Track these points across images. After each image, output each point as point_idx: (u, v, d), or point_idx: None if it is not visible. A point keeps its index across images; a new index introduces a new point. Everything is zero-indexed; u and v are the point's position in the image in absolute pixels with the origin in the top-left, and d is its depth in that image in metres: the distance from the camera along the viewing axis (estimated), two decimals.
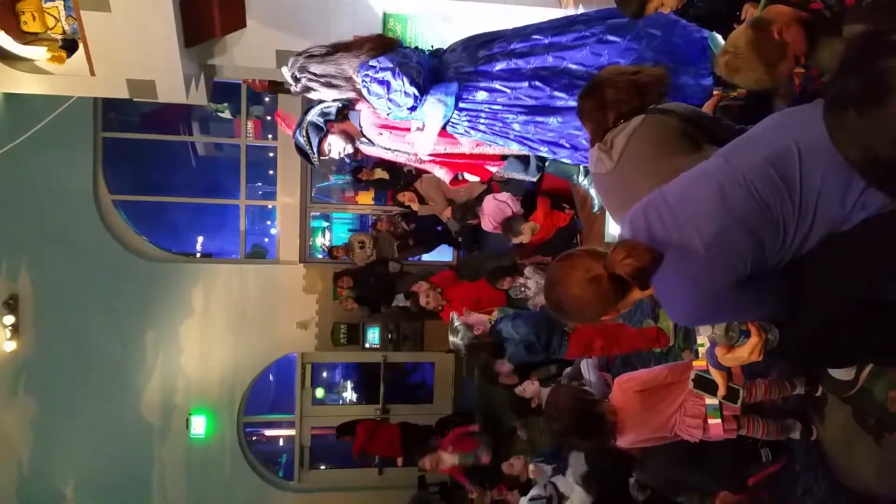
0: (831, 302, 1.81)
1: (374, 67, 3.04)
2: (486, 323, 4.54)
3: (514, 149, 3.39)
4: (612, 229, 4.07)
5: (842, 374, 2.58)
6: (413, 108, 3.11)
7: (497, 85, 3.10)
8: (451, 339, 4.56)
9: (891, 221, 1.54)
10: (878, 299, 1.84)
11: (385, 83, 3.04)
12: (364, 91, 3.12)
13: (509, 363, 5.75)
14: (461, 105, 3.17)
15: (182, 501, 8.26)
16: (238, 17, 4.48)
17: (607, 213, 3.72)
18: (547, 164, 4.22)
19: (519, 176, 4.04)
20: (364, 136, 3.67)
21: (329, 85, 3.17)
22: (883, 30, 1.22)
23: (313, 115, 3.61)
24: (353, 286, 7.83)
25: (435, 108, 3.13)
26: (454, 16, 4.77)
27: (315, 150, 3.65)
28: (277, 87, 7.44)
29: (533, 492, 4.82)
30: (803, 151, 1.63)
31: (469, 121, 3.23)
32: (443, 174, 3.83)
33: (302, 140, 3.63)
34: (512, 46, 3.11)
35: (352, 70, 3.10)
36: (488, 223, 5.87)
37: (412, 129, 3.49)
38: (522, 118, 3.13)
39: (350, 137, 3.71)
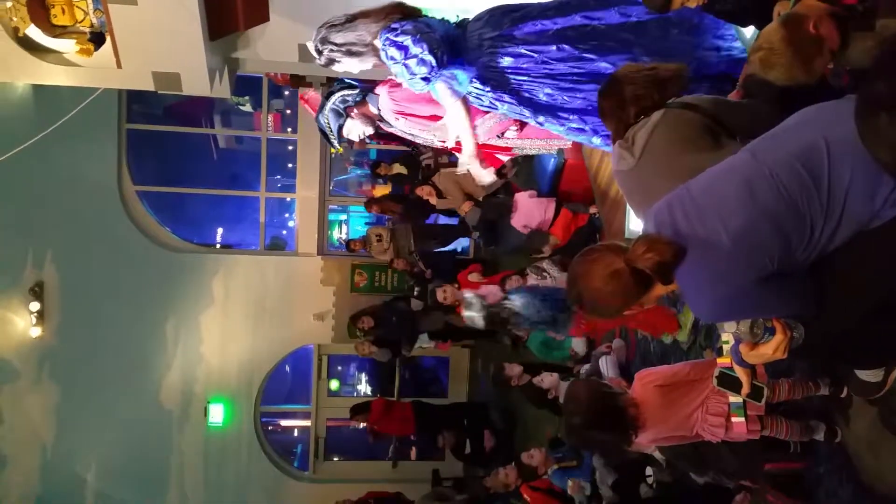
0: (859, 301, 1.79)
1: (395, 30, 2.99)
2: (497, 293, 4.55)
3: (542, 122, 3.31)
4: (633, 225, 4.04)
5: (869, 375, 2.54)
6: (427, 80, 3.03)
7: (523, 49, 3.01)
8: (466, 314, 4.57)
9: None
10: None
11: (403, 48, 2.97)
12: (382, 54, 3.05)
13: (518, 366, 5.82)
14: (486, 75, 3.08)
15: (199, 488, 8.38)
16: (262, 11, 4.50)
17: (628, 207, 3.71)
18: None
19: (536, 151, 4.04)
20: (382, 118, 3.74)
21: (350, 53, 3.13)
22: None
23: (334, 101, 3.68)
24: (374, 327, 7.47)
25: (446, 87, 3.06)
26: (474, 7, 4.75)
27: (335, 133, 3.77)
28: (299, 81, 7.49)
29: None
30: (832, 148, 1.61)
31: (494, 91, 3.14)
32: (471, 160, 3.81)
33: (324, 122, 3.72)
34: (539, 9, 3.03)
35: (372, 36, 3.06)
36: (519, 221, 5.87)
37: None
38: (549, 89, 3.04)
39: (369, 120, 3.80)
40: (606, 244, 1.85)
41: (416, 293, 7.59)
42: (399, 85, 3.68)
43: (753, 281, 1.69)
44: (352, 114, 3.75)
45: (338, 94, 3.74)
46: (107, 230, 8.01)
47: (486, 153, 4.08)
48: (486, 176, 3.59)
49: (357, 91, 3.76)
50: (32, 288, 7.81)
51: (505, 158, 4.21)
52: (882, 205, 1.60)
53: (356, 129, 3.79)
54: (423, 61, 2.97)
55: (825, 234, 1.67)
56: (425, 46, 2.95)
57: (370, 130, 3.86)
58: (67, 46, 4.17)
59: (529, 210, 5.77)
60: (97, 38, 4.24)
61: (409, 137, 3.94)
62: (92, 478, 8.12)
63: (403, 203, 7.85)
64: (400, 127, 3.83)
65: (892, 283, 1.76)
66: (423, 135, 3.89)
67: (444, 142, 3.69)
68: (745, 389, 2.08)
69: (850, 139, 1.49)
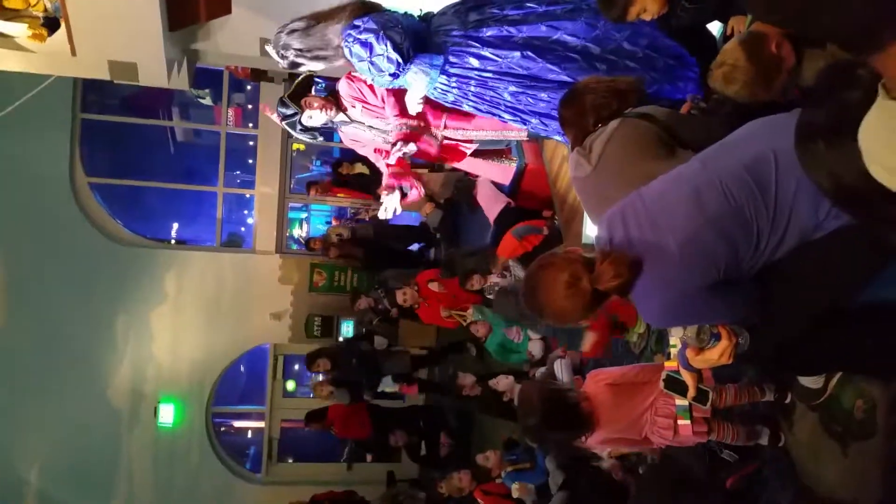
0: (801, 309, 1.85)
1: (357, 27, 2.97)
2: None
3: (507, 119, 3.36)
4: (590, 230, 4.09)
5: (810, 381, 2.62)
6: (395, 76, 3.04)
7: (488, 52, 3.02)
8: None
9: (862, 231, 1.58)
10: (848, 308, 1.89)
11: (368, 45, 2.95)
12: (346, 52, 3.04)
13: (471, 375, 5.89)
14: (451, 70, 3.09)
15: (148, 490, 8.18)
16: (224, 3, 4.42)
17: (585, 214, 3.76)
18: None
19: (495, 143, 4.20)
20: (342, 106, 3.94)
21: (316, 58, 3.14)
22: (849, 62, 1.25)
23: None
24: (332, 368, 6.84)
25: (417, 79, 3.07)
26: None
27: (316, 132, 4.05)
28: (259, 75, 7.40)
29: None
30: (780, 159, 1.65)
31: (459, 88, 3.15)
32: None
33: (287, 110, 3.91)
34: (505, 12, 3.03)
35: (336, 37, 3.04)
36: (481, 201, 6.01)
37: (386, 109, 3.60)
38: (513, 88, 3.07)
39: (331, 105, 3.96)
40: (565, 256, 1.86)
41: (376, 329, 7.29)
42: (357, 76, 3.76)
43: (700, 288, 1.73)
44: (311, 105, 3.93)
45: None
46: (56, 222, 7.77)
47: (450, 146, 4.17)
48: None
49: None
50: None
51: (468, 150, 4.27)
52: (825, 216, 1.65)
53: (318, 119, 3.98)
54: (389, 59, 2.97)
55: (771, 244, 1.72)
56: (389, 43, 2.95)
57: (334, 114, 3.98)
58: (19, 31, 4.02)
59: (487, 202, 5.82)
60: (51, 24, 4.10)
61: (363, 130, 4.02)
62: (35, 478, 7.86)
63: (365, 247, 7.75)
64: (356, 116, 3.97)
65: (833, 293, 1.82)
66: (381, 125, 3.96)
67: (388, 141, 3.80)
68: (692, 393, 2.13)
69: None
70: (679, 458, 3.33)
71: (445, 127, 4.05)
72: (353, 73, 3.83)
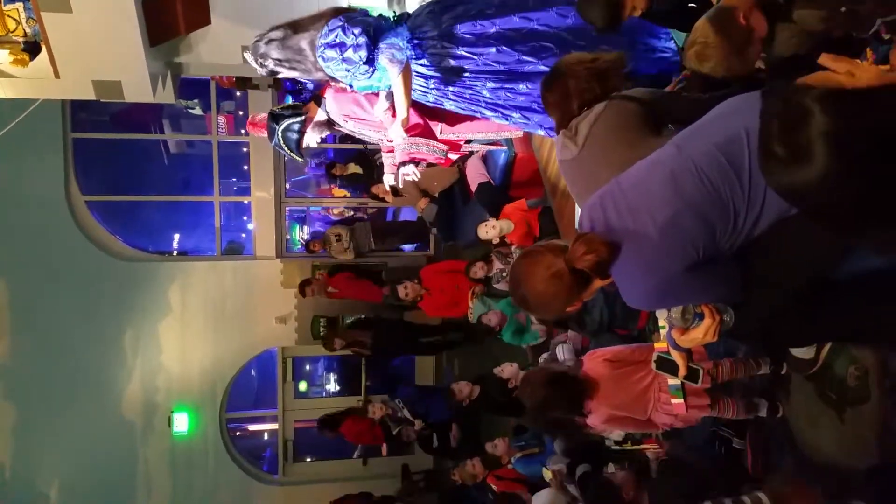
0: (783, 283, 1.87)
1: (325, 33, 2.97)
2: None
3: (489, 116, 3.34)
4: None
5: (802, 352, 2.65)
6: (370, 62, 2.99)
7: (463, 51, 3.03)
8: None
9: None
10: (832, 279, 1.91)
11: (337, 45, 2.95)
12: (321, 63, 3.03)
13: (467, 385, 6.02)
14: (428, 73, 3.10)
15: (166, 499, 8.25)
16: (202, 15, 4.44)
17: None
18: None
19: (488, 146, 4.16)
20: (333, 121, 3.86)
21: (294, 69, 3.14)
22: (794, 91, 1.23)
23: (285, 128, 3.74)
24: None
25: (391, 57, 3.01)
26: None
27: (296, 151, 3.85)
28: (245, 83, 7.41)
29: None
30: (752, 138, 1.67)
31: (437, 89, 3.17)
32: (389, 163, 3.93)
33: (279, 143, 3.77)
34: (478, 8, 3.05)
35: (310, 50, 3.04)
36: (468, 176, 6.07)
37: (378, 111, 3.57)
38: (491, 84, 3.08)
39: (322, 126, 3.91)
40: (545, 245, 1.89)
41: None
42: (342, 90, 3.71)
43: (681, 270, 1.75)
44: (305, 131, 3.83)
45: (285, 122, 3.79)
46: (56, 243, 7.80)
47: (449, 142, 4.16)
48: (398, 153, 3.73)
49: (302, 118, 3.81)
50: None
51: (454, 157, 4.26)
52: None
53: (313, 138, 3.91)
54: (358, 45, 2.94)
55: (748, 222, 1.74)
56: (356, 30, 2.93)
57: (326, 132, 3.99)
58: (0, 57, 4.06)
59: (473, 174, 5.90)
60: (32, 48, 4.14)
61: (362, 137, 4.02)
62: (55, 494, 7.95)
63: (373, 329, 7.45)
64: (349, 128, 3.93)
65: (812, 266, 1.84)
66: (373, 135, 3.95)
67: (391, 141, 3.73)
68: (682, 372, 2.16)
69: None
70: (688, 461, 3.36)
71: (442, 132, 4.00)
72: (338, 90, 3.78)
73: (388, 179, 4.20)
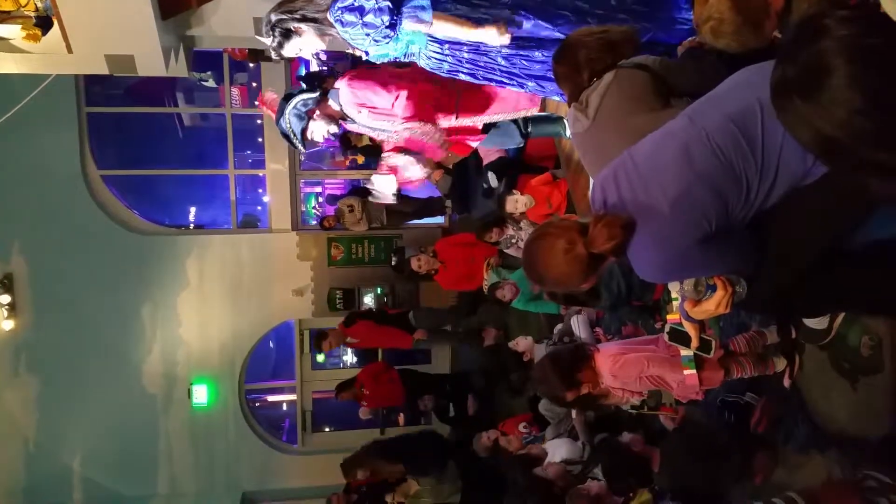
0: (796, 254, 1.86)
1: None
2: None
3: (505, 83, 3.27)
4: None
5: (815, 322, 2.65)
6: (392, 27, 2.93)
7: (480, 13, 2.96)
8: None
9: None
10: (844, 249, 1.89)
11: (357, 8, 2.89)
12: (339, 27, 2.98)
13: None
14: (444, 37, 3.04)
15: (188, 470, 8.43)
16: None
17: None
18: (530, 129, 4.27)
19: (501, 147, 4.07)
20: (345, 115, 3.73)
21: (304, 18, 3.07)
22: (816, 12, 1.23)
23: (295, 105, 3.67)
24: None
25: (414, 23, 2.95)
26: None
27: (299, 137, 3.76)
28: (257, 55, 7.38)
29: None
30: (765, 109, 1.65)
31: (452, 55, 3.12)
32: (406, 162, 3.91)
33: (285, 126, 3.71)
34: None
35: (325, 13, 3.01)
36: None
37: (393, 106, 3.52)
38: (507, 51, 3.04)
39: (332, 118, 3.79)
40: (559, 223, 1.89)
41: None
42: (357, 77, 3.66)
43: (694, 243, 1.74)
44: (314, 115, 3.73)
45: (298, 98, 3.70)
46: (74, 217, 7.89)
47: (456, 139, 4.08)
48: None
49: (317, 94, 3.73)
50: (1, 280, 7.71)
51: (475, 144, 4.18)
52: (813, 163, 1.65)
53: (320, 130, 3.78)
54: (380, 10, 2.89)
55: (761, 194, 1.72)
56: None
57: (334, 129, 3.84)
58: (13, 32, 4.05)
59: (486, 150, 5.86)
60: (44, 23, 4.12)
61: (372, 133, 3.94)
62: (78, 466, 8.14)
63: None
64: (362, 121, 3.81)
65: (825, 237, 1.83)
66: (387, 126, 3.85)
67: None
68: (695, 343, 2.17)
69: None
70: (701, 423, 3.38)
71: (458, 117, 3.88)
72: (352, 78, 3.71)
73: (416, 171, 4.05)
